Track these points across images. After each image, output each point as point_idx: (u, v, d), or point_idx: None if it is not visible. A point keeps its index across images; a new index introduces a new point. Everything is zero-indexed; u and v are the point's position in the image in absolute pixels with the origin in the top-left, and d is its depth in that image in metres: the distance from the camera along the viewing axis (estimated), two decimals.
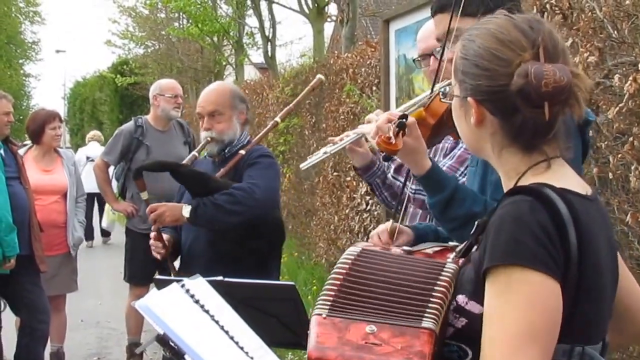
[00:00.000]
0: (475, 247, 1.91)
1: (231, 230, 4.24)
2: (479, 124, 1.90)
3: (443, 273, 1.91)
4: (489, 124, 1.89)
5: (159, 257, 4.35)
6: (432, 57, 3.18)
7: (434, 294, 1.85)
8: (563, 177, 1.86)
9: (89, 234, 16.27)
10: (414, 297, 1.86)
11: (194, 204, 4.18)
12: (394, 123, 2.43)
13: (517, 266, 1.68)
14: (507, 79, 1.79)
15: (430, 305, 1.82)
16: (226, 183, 4.24)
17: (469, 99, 1.89)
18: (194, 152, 4.37)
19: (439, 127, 2.69)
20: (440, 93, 2.09)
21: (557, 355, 1.74)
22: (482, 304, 1.75)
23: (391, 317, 1.82)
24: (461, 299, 1.84)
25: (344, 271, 1.96)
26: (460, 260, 1.96)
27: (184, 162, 4.33)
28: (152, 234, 4.31)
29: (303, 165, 3.16)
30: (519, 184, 1.86)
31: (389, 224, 2.48)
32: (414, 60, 3.50)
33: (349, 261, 1.99)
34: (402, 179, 3.31)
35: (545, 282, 1.68)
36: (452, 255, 2.02)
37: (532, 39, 1.82)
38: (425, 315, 1.80)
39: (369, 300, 1.88)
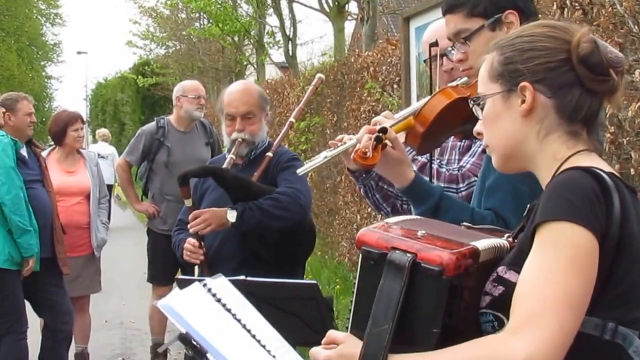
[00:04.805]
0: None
1: (269, 234, 4.23)
2: (529, 112, 1.92)
3: (496, 238, 2.02)
4: (540, 109, 1.91)
5: (198, 262, 4.28)
6: (444, 57, 3.15)
7: (485, 238, 1.97)
8: (604, 167, 1.89)
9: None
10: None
11: (240, 208, 4.13)
12: (372, 137, 2.45)
13: (563, 221, 1.72)
14: (567, 53, 1.87)
15: (481, 239, 1.94)
16: (268, 188, 4.23)
17: (521, 84, 1.91)
18: (231, 155, 4.30)
19: (436, 130, 2.68)
20: (470, 100, 2.09)
21: (588, 329, 1.76)
22: (519, 273, 1.78)
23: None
24: (500, 269, 1.88)
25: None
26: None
27: (224, 166, 4.26)
28: (192, 241, 4.24)
29: (300, 171, 3.10)
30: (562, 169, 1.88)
31: None
32: (424, 61, 3.46)
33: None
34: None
35: (589, 241, 1.72)
36: (506, 235, 2.08)
37: (574, 29, 1.93)
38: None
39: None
